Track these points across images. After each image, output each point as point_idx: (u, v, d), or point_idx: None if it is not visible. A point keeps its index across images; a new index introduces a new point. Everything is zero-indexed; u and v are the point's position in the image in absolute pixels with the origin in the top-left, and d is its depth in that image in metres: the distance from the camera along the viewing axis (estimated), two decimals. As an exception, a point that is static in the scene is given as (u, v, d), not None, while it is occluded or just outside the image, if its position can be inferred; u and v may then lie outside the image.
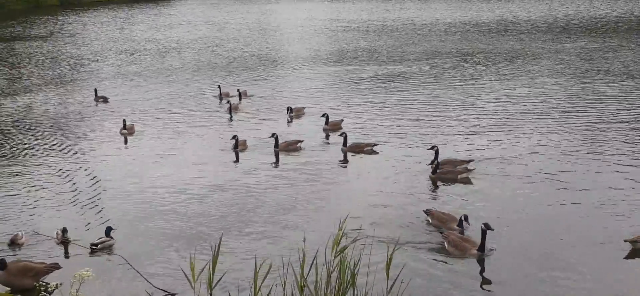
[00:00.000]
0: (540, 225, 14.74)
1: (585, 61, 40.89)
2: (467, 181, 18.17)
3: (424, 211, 15.22)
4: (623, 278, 12.18)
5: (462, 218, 14.40)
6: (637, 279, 12.18)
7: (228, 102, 28.97)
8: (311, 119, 26.89)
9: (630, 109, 26.79)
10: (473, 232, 14.09)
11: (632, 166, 18.80)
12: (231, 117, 27.56)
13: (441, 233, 13.99)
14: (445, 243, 13.57)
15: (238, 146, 22.10)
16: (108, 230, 14.40)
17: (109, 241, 14.21)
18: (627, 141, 21.61)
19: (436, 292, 11.69)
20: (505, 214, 15.44)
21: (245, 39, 62.08)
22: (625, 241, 13.29)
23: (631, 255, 13.08)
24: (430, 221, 14.89)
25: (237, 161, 21.19)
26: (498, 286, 12.04)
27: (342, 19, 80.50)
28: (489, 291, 11.88)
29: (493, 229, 13.33)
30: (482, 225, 13.27)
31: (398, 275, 8.68)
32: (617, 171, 18.33)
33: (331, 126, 24.67)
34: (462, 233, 14.08)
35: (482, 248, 13.18)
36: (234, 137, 22.30)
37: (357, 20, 77.66)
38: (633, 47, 47.09)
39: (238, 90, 31.84)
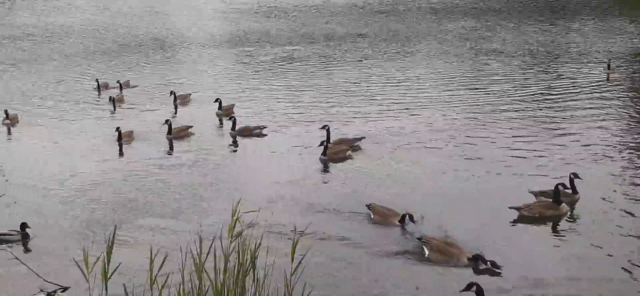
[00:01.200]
0: (430, 197, 15.25)
1: (466, 41, 42.58)
2: (358, 159, 18.56)
3: (366, 205, 14.31)
4: (508, 242, 12.79)
5: (407, 217, 13.44)
6: (520, 243, 12.82)
7: (110, 97, 27.84)
8: (203, 104, 26.67)
9: (510, 86, 28.20)
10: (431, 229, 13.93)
11: (516, 138, 19.80)
12: (114, 109, 26.62)
13: (420, 239, 12.50)
14: (426, 250, 12.17)
15: (121, 138, 21.34)
16: (23, 226, 13.81)
17: (10, 234, 13.68)
18: (510, 115, 22.74)
19: (335, 275, 11.79)
20: (394, 189, 15.91)
21: (135, 24, 60.49)
22: (510, 208, 14.03)
23: (515, 222, 13.80)
24: (372, 216, 13.99)
25: (121, 153, 20.58)
26: (384, 262, 12.34)
27: (235, 1, 79.77)
28: (377, 274, 12.15)
29: (500, 268, 11.48)
30: (489, 262, 11.51)
31: (302, 259, 8.80)
32: (501, 145, 19.20)
33: (224, 111, 24.58)
34: (404, 229, 13.44)
35: (475, 258, 11.72)
36: (117, 129, 21.57)
37: (250, 2, 77.22)
38: (507, 25, 49.54)
39: (118, 81, 30.85)
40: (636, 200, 14.52)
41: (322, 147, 18.69)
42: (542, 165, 17.22)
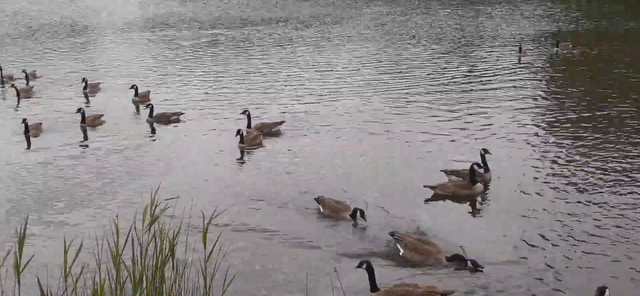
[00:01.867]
0: (347, 179, 15.42)
1: (382, 26, 43.19)
2: (276, 145, 18.53)
3: (314, 199, 13.72)
4: (426, 218, 13.07)
5: (358, 213, 12.86)
6: (436, 217, 13.12)
7: (12, 85, 26.48)
8: (119, 91, 26.02)
9: (426, 69, 28.79)
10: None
11: (431, 120, 20.26)
12: (18, 102, 25.39)
13: (392, 235, 11.73)
14: (400, 248, 11.43)
15: (29, 131, 20.36)
16: None
17: None
18: (426, 98, 23.23)
19: (260, 264, 11.68)
20: (314, 169, 16.09)
21: (44, 8, 58.31)
22: (425, 186, 14.39)
23: (431, 199, 14.18)
24: (322, 210, 13.39)
25: (28, 145, 19.75)
26: (313, 253, 12.38)
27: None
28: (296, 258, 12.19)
29: (482, 268, 10.72)
30: (469, 262, 10.79)
31: (215, 244, 8.74)
32: (417, 128, 19.60)
33: (141, 98, 24.05)
34: (356, 224, 12.86)
35: (454, 258, 11.02)
36: (24, 121, 20.49)
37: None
38: (420, 10, 50.47)
39: (24, 70, 29.40)
40: (546, 178, 15.08)
41: (239, 135, 18.48)
42: (458, 145, 17.71)
